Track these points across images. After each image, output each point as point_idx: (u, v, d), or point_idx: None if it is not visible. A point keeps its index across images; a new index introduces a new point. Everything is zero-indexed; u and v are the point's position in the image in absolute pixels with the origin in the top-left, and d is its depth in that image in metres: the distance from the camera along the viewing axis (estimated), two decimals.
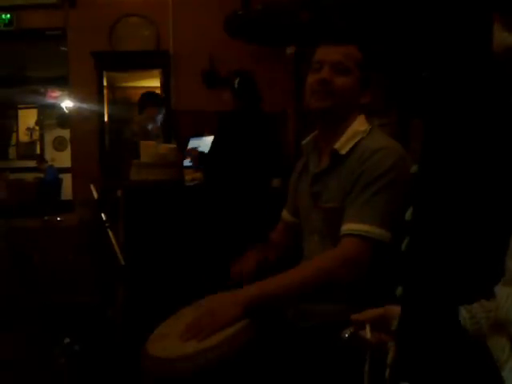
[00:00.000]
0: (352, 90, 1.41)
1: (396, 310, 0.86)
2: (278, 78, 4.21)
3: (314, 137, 1.53)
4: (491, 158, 0.73)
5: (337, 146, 1.40)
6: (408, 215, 0.76)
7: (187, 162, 3.40)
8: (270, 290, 1.28)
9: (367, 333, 0.90)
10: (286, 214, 1.70)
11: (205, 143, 3.67)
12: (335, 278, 1.28)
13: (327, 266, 1.29)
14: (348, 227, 1.31)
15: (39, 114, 9.46)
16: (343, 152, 1.39)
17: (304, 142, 1.56)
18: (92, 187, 2.37)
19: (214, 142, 3.10)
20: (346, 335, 0.94)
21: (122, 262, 1.87)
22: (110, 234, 1.99)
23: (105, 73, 4.93)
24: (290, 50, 3.82)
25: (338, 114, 1.42)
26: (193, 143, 3.86)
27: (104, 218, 2.06)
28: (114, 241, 1.98)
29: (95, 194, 2.40)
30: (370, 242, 1.28)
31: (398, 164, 1.32)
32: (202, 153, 3.29)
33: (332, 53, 1.41)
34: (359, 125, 1.43)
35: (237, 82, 2.97)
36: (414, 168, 0.78)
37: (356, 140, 1.40)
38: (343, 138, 1.41)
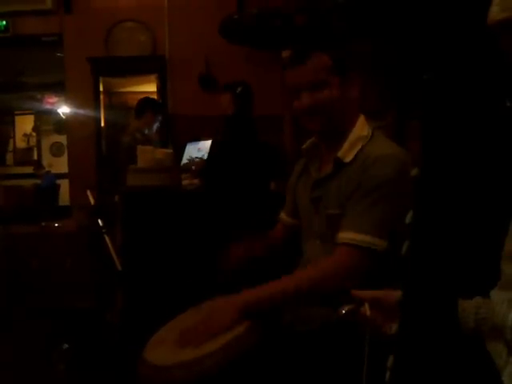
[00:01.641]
0: (336, 98, 1.37)
1: (394, 294, 0.87)
2: (274, 82, 4.22)
3: (313, 142, 1.53)
4: (491, 162, 0.73)
5: (340, 154, 1.39)
6: (408, 218, 0.76)
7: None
8: (265, 296, 1.29)
9: (366, 310, 0.92)
10: (284, 216, 1.70)
11: (202, 147, 3.68)
12: (329, 287, 1.28)
13: (321, 274, 1.30)
14: (344, 236, 1.31)
15: (36, 120, 9.44)
16: (347, 160, 1.38)
17: (304, 146, 1.54)
18: (88, 193, 2.37)
19: (219, 144, 3.11)
20: (344, 311, 0.97)
21: (119, 268, 1.86)
22: (107, 239, 1.98)
23: (101, 78, 4.92)
24: (285, 54, 3.82)
25: (333, 124, 1.41)
26: (190, 148, 3.86)
27: (101, 224, 2.06)
28: (110, 246, 1.98)
29: (92, 200, 2.40)
30: (365, 252, 1.27)
31: (398, 172, 1.30)
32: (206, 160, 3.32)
33: (301, 74, 1.38)
34: (361, 129, 1.42)
35: (239, 89, 3.07)
36: (414, 171, 0.78)
37: (359, 147, 1.39)
38: (346, 145, 1.39)
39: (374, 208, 1.29)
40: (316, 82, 1.36)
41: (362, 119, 1.44)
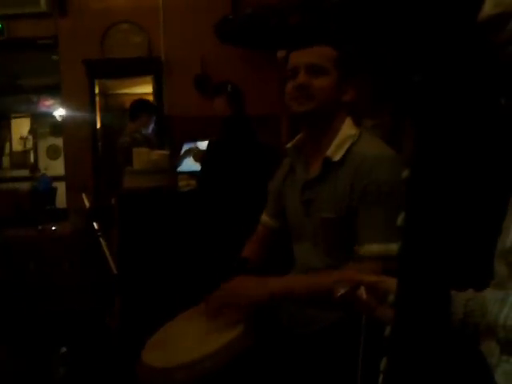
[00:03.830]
0: (331, 90, 1.36)
1: (388, 281, 0.89)
2: (270, 82, 4.22)
3: (299, 141, 1.49)
4: (485, 161, 0.73)
5: (328, 153, 1.36)
6: (400, 221, 0.76)
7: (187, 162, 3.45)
8: (296, 288, 1.28)
9: (363, 293, 0.92)
10: (265, 218, 1.66)
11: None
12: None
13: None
14: (368, 249, 1.28)
15: (32, 123, 9.43)
16: (336, 159, 1.36)
17: (289, 145, 1.51)
18: (84, 196, 2.35)
19: (214, 144, 3.11)
20: (340, 294, 0.96)
21: (115, 271, 1.86)
22: (103, 242, 1.97)
23: (97, 80, 4.91)
24: (280, 54, 3.82)
25: (321, 116, 1.38)
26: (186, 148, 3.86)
27: (96, 227, 2.05)
28: (106, 249, 1.97)
29: (86, 203, 2.39)
30: (392, 260, 1.25)
31: (398, 173, 1.29)
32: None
33: (305, 56, 1.37)
34: (348, 128, 1.40)
35: (229, 87, 3.08)
36: (405, 173, 0.77)
37: (347, 145, 1.36)
38: (334, 144, 1.37)
39: (388, 215, 1.26)
40: (317, 66, 1.35)
41: (349, 120, 1.42)
